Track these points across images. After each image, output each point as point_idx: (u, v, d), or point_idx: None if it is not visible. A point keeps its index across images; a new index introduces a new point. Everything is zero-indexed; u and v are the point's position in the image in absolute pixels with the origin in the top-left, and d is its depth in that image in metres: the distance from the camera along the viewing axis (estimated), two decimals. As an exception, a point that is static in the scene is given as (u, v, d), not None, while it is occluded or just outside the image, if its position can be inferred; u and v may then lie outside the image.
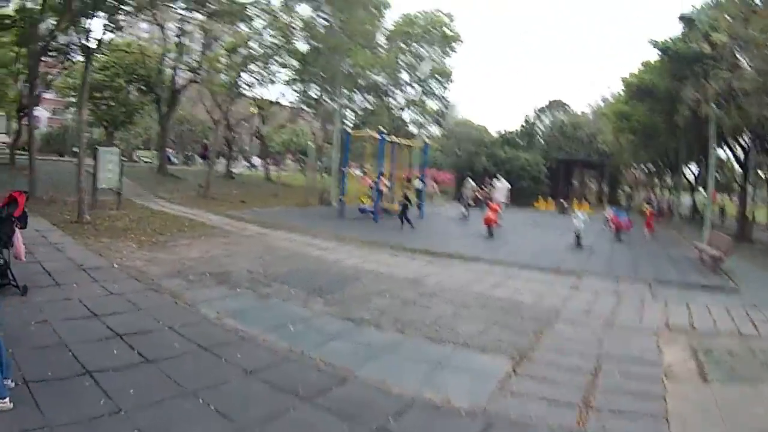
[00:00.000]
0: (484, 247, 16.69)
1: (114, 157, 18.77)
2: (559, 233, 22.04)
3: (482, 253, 14.93)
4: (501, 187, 21.89)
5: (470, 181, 27.70)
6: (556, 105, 59.12)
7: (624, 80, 33.60)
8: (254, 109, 42.47)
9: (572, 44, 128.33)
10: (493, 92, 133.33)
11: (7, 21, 22.38)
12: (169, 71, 32.60)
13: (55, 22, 18.60)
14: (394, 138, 26.46)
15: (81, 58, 31.00)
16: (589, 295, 10.79)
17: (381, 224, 20.92)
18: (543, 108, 58.23)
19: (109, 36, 20.25)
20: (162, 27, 30.87)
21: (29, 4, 20.90)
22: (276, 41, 29.54)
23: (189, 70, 31.44)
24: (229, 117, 37.28)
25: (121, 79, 42.06)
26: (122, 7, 16.66)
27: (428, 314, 8.42)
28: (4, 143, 36.09)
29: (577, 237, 17.92)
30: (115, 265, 10.01)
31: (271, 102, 40.39)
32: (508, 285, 11.11)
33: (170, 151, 59.60)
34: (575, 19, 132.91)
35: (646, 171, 53.62)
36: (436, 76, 40.28)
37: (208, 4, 22.55)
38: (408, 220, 19.86)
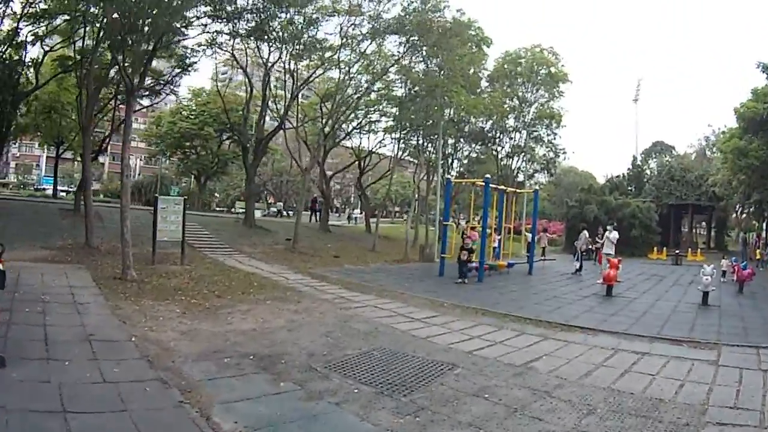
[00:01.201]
0: (604, 311, 13.62)
1: (177, 207, 17.23)
2: (680, 288, 19.45)
3: (603, 321, 12.01)
4: (613, 237, 18.59)
5: (586, 232, 24.12)
6: (659, 147, 54.83)
7: (736, 111, 29.80)
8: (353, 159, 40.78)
9: (665, 82, 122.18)
10: (591, 136, 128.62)
11: (69, 62, 21.78)
12: (254, 117, 31.35)
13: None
14: (500, 186, 23.60)
15: (147, 102, 31.87)
16: (734, 376, 7.88)
17: (486, 284, 18.27)
18: (648, 150, 53.99)
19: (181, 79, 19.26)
20: (244, 70, 29.48)
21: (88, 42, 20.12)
22: (370, 84, 27.43)
23: (278, 118, 29.62)
24: (324, 167, 35.81)
25: (211, 128, 41.98)
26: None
27: (542, 430, 5.70)
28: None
29: (705, 294, 14.88)
30: (134, 339, 8.11)
31: (370, 151, 38.80)
32: (640, 370, 8.16)
33: (280, 204, 59.90)
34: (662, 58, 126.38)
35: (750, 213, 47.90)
36: (545, 119, 37.24)
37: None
38: (464, 274, 18.02)
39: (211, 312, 10.58)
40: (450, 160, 37.95)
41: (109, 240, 18.39)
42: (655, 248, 38.05)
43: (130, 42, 14.80)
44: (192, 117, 44.65)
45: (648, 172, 52.21)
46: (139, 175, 76.10)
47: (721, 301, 15.66)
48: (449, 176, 23.13)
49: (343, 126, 35.59)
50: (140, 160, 72.22)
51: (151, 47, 15.56)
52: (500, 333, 10.30)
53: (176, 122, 45.32)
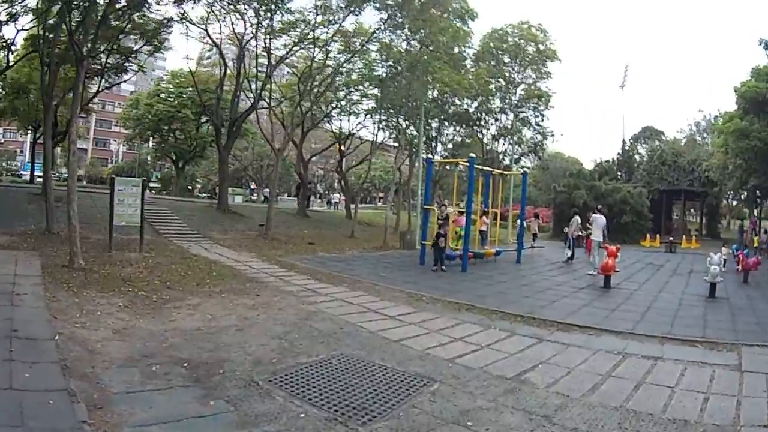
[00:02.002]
0: (604, 305, 12.07)
1: (135, 189, 15.97)
2: (680, 278, 17.93)
3: (605, 318, 10.51)
4: (600, 222, 17.17)
5: (578, 218, 22.68)
6: (648, 132, 53.69)
7: (737, 91, 28.65)
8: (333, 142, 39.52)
9: (653, 68, 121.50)
10: (578, 122, 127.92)
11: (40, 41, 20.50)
12: (229, 98, 29.65)
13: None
14: (486, 168, 22.18)
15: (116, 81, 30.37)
16: (762, 384, 6.60)
17: (471, 274, 16.59)
18: (637, 135, 52.86)
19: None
20: (217, 46, 27.84)
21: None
22: (348, 60, 25.94)
23: (256, 98, 28.03)
24: (302, 150, 34.37)
25: (189, 110, 40.29)
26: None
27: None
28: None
29: (713, 286, 13.43)
30: (58, 338, 6.80)
31: (350, 133, 37.66)
32: (655, 381, 6.68)
33: (267, 190, 58.57)
34: (650, 40, 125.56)
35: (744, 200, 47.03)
36: (534, 100, 35.90)
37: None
38: (441, 261, 16.82)
39: (156, 306, 9.26)
40: (433, 144, 36.52)
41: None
42: (648, 235, 36.74)
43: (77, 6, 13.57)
44: (170, 99, 43.05)
45: (638, 157, 50.85)
46: (121, 160, 74.54)
47: (727, 292, 14.23)
48: (429, 156, 21.43)
49: (323, 107, 34.45)
50: (122, 145, 70.93)
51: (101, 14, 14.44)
52: (487, 334, 8.78)
53: (153, 104, 43.79)
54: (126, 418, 4.80)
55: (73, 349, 6.45)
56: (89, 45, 14.64)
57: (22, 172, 63.99)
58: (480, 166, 21.11)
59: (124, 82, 33.04)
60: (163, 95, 44.51)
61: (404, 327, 9.01)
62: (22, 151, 73.08)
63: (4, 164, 73.41)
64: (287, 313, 9.40)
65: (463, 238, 17.77)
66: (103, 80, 27.23)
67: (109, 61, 25.00)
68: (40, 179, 45.29)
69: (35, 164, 37.79)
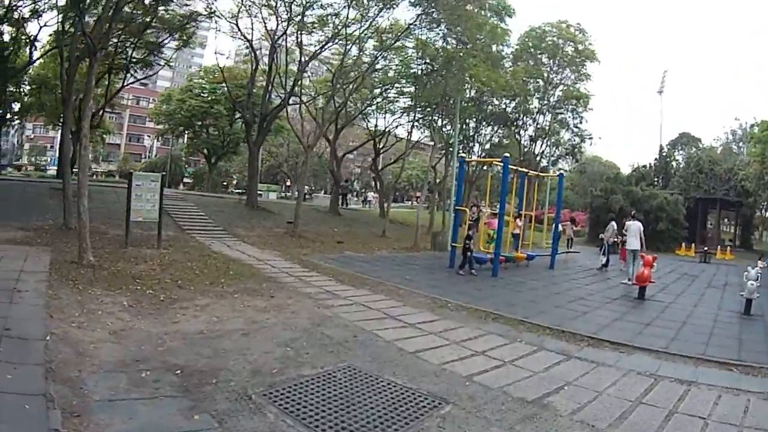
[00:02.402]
0: (638, 319, 11.32)
1: (154, 185, 15.40)
2: (715, 292, 16.92)
3: (638, 334, 9.77)
4: (634, 228, 16.67)
5: (614, 223, 21.76)
6: (685, 138, 51.86)
7: None
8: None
9: (690, 75, 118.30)
10: (615, 127, 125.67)
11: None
12: (260, 93, 29.36)
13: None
14: (522, 168, 21.37)
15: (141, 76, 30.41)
16: None
17: (501, 279, 16.01)
18: (674, 141, 51.17)
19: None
20: (248, 41, 27.49)
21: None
22: (380, 55, 25.40)
23: (288, 94, 27.70)
24: (336, 146, 33.92)
25: (222, 106, 40.19)
26: None
27: None
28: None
29: (748, 302, 12.55)
30: (49, 338, 6.43)
31: (385, 130, 37.44)
32: (688, 410, 6.03)
33: (306, 187, 58.41)
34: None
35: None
36: (572, 102, 34.87)
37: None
38: (470, 264, 16.26)
39: (162, 306, 8.80)
40: (471, 144, 35.83)
41: (90, 221, 16.63)
42: (683, 244, 36.00)
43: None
44: (203, 95, 43.15)
45: (674, 164, 49.34)
46: (155, 155, 75.23)
47: (762, 308, 13.26)
48: (463, 155, 20.55)
49: (358, 104, 34.17)
50: (156, 140, 71.35)
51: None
52: (511, 348, 8.19)
53: (185, 100, 43.88)
54: (102, 428, 4.44)
55: (62, 351, 6.09)
56: (103, 39, 14.32)
57: (50, 167, 65.08)
58: (515, 167, 20.45)
59: (151, 76, 32.82)
60: (196, 91, 44.64)
61: (423, 337, 8.45)
62: (52, 147, 73.82)
63: (33, 159, 74.69)
64: (300, 317, 8.88)
65: (495, 242, 17.03)
66: (128, 75, 27.35)
67: (134, 55, 24.89)
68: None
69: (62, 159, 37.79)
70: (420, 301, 11.27)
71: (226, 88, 34.66)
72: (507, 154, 18.28)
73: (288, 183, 67.13)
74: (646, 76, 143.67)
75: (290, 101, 28.39)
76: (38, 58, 26.02)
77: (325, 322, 8.69)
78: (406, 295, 11.90)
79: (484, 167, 33.82)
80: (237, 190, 60.02)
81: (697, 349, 8.79)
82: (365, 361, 6.90)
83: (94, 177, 51.35)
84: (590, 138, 38.34)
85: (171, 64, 30.00)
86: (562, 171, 25.78)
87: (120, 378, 5.52)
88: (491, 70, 25.50)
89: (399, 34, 24.77)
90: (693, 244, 35.73)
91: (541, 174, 24.85)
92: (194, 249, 15.76)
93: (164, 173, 21.82)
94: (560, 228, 22.02)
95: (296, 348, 7.16)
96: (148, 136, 76.84)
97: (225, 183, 65.53)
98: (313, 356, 6.90)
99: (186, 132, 49.01)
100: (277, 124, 42.82)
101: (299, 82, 27.32)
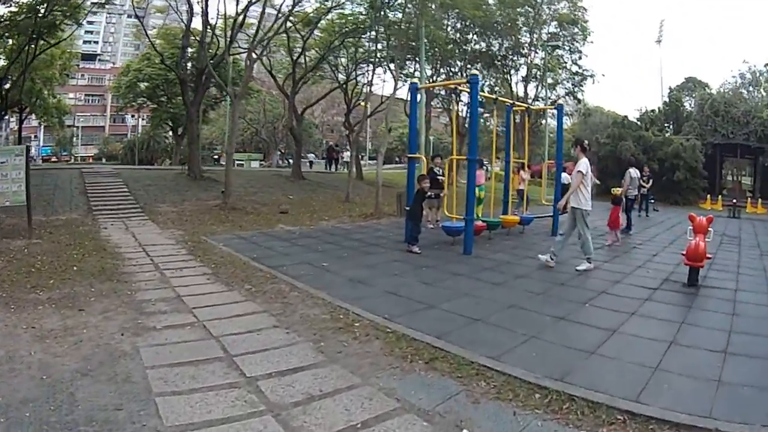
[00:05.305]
0: (706, 338, 5.84)
1: (18, 160, 12.49)
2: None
3: (714, 383, 4.64)
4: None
5: (634, 171, 16.50)
6: (692, 83, 46.34)
7: None
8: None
9: (690, 19, 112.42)
10: (613, 79, 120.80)
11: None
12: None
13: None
14: (505, 100, 16.63)
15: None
16: None
17: (474, 259, 10.59)
18: (680, 86, 45.74)
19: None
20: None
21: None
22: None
23: (228, 43, 23.37)
24: (295, 101, 29.98)
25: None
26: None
27: None
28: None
29: None
30: None
31: (346, 80, 32.63)
32: None
33: (311, 155, 54.45)
34: None
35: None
36: (570, 30, 30.23)
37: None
38: (413, 236, 11.30)
39: None
40: (455, 94, 31.08)
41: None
42: (709, 196, 31.24)
43: None
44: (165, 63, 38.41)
45: (685, 107, 43.98)
46: (140, 134, 70.54)
47: None
48: (415, 80, 15.09)
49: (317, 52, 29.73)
50: (141, 119, 67.14)
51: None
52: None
53: (142, 69, 39.98)
54: None
55: None
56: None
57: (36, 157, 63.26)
58: (492, 96, 15.64)
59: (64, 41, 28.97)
60: (156, 60, 39.72)
61: (250, 422, 3.79)
62: (36, 136, 70.28)
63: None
64: (78, 352, 5.16)
65: (473, 204, 12.00)
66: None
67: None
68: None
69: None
70: (307, 315, 6.43)
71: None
72: (476, 72, 12.73)
73: (283, 151, 62.31)
74: (641, 26, 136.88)
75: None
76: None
77: (99, 370, 4.74)
78: (296, 301, 7.07)
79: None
80: (223, 163, 56.11)
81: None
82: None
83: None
84: (592, 76, 33.74)
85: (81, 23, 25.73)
86: (560, 102, 20.16)
87: None
88: None
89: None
90: (719, 197, 31.29)
91: (532, 107, 19.41)
92: (75, 236, 12.44)
93: (28, 145, 18.23)
94: (566, 179, 16.49)
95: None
96: (132, 116, 71.89)
97: (216, 156, 60.94)
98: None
99: (145, 105, 45.23)
100: (248, 86, 39.32)
101: (240, 28, 23.21)
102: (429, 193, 12.10)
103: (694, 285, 8.42)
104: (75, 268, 8.94)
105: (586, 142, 10.85)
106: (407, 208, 11.94)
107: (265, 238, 12.44)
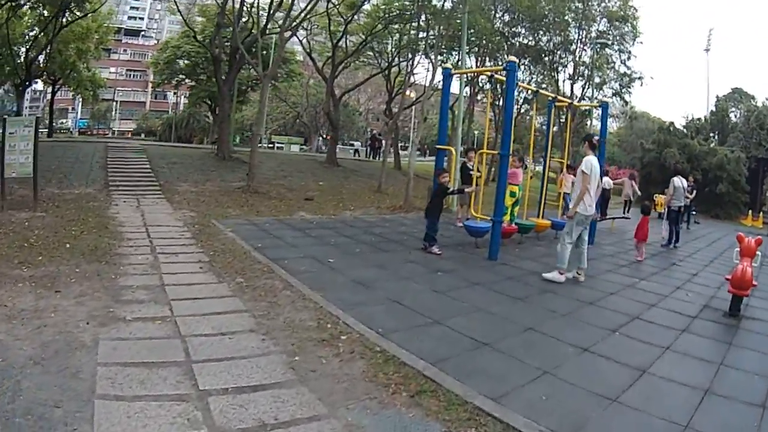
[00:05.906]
0: (752, 394, 4.78)
1: (27, 131, 12.27)
2: None
3: None
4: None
5: (678, 180, 15.15)
6: (738, 94, 44.11)
7: None
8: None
9: (740, 30, 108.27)
10: (660, 87, 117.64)
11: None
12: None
13: None
14: (546, 93, 15.61)
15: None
16: None
17: (500, 268, 9.54)
18: (727, 97, 43.61)
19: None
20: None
21: None
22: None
23: (266, 20, 23.11)
24: (335, 89, 30.02)
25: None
26: None
27: None
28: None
29: None
30: None
31: (389, 65, 31.42)
32: None
33: (357, 143, 54.11)
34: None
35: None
36: (618, 27, 29.08)
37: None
38: (430, 237, 10.34)
39: None
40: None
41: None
42: (750, 211, 29.48)
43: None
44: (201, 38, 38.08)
45: (730, 118, 42.04)
46: (182, 111, 70.84)
47: None
48: (448, 66, 13.96)
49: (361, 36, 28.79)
50: (183, 96, 67.27)
51: None
52: None
53: (181, 46, 39.30)
54: None
55: None
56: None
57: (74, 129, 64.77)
58: (534, 88, 15.05)
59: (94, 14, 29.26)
60: (199, 37, 39.59)
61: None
62: (73, 109, 72.39)
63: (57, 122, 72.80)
64: (30, 343, 4.69)
65: (506, 205, 11.17)
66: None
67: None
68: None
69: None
70: (291, 321, 5.68)
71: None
72: (513, 59, 11.56)
73: (325, 136, 61.94)
74: (689, 35, 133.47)
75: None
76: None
77: (53, 360, 4.36)
78: (285, 302, 6.32)
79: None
80: (263, 144, 56.07)
81: None
82: None
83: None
84: (640, 78, 32.56)
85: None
86: (606, 101, 18.95)
87: None
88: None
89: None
90: (761, 213, 29.93)
91: (576, 104, 18.38)
92: (81, 211, 12.05)
93: (38, 116, 18.18)
94: (608, 184, 15.28)
95: None
96: (174, 93, 72.03)
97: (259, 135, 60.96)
98: None
99: (184, 82, 44.75)
100: (289, 69, 39.65)
101: (278, 7, 22.38)
102: (450, 188, 11.33)
103: (735, 315, 7.44)
104: (68, 245, 8.48)
105: (596, 137, 9.86)
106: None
107: (278, 226, 11.77)
